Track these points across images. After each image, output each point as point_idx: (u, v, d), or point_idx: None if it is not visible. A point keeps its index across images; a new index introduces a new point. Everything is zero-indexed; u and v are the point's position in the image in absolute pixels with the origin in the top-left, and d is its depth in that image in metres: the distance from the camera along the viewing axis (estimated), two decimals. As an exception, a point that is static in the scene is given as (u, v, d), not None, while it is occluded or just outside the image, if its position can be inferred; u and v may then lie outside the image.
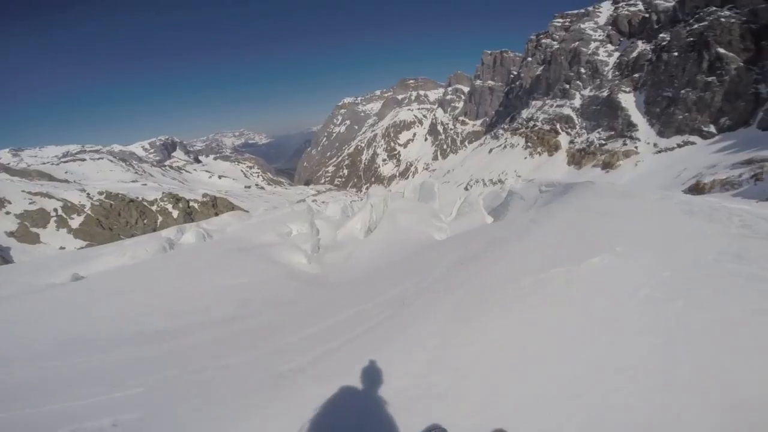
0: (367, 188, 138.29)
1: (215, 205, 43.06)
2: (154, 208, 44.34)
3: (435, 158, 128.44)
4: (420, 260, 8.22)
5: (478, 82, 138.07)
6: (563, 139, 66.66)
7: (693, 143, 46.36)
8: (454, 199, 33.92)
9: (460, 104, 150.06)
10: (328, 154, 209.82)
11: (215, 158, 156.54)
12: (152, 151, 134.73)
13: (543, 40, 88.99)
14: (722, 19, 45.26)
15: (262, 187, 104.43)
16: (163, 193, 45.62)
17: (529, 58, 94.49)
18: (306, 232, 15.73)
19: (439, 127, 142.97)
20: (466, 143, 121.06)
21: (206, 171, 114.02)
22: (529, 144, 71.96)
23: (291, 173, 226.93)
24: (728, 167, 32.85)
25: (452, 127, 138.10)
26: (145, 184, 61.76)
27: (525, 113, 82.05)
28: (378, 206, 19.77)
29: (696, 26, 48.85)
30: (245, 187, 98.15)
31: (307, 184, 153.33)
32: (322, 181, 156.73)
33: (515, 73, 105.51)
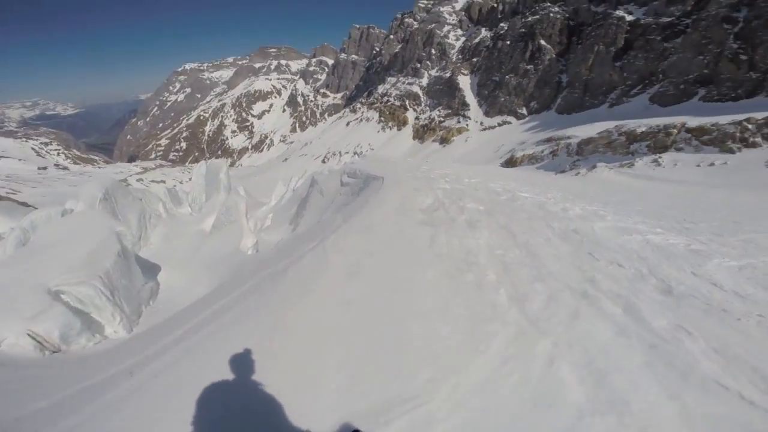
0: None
1: None
2: None
3: (293, 130, 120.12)
4: None
5: (343, 55, 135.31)
6: (411, 114, 68.98)
7: (509, 123, 52.21)
8: (299, 175, 29.14)
9: (323, 76, 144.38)
10: (161, 125, 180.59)
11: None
12: None
13: (406, 19, 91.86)
14: (550, 14, 50.97)
15: (66, 167, 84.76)
16: None
17: (392, 36, 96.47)
18: None
19: (299, 99, 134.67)
20: (326, 116, 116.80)
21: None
22: (382, 118, 72.57)
23: (109, 149, 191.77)
24: (534, 144, 37.00)
25: (313, 99, 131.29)
26: None
27: (381, 89, 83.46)
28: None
29: (530, 19, 54.15)
30: (39, 168, 78.03)
31: (131, 160, 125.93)
32: (153, 156, 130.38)
33: (378, 49, 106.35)
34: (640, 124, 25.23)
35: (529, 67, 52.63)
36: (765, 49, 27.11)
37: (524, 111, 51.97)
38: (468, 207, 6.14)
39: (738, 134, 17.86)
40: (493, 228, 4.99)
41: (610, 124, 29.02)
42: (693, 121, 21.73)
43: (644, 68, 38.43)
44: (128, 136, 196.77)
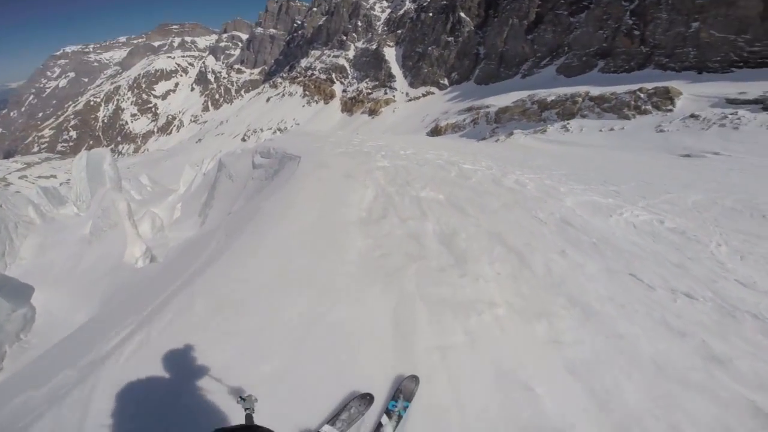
0: (113, 149, 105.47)
1: None
2: None
3: (205, 109, 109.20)
4: None
5: (259, 29, 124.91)
6: (338, 88, 67.00)
7: (433, 93, 53.21)
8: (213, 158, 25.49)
9: (237, 52, 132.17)
10: (41, 114, 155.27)
11: None
12: None
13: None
14: (471, -13, 51.20)
15: None
16: None
17: (315, 8, 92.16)
18: None
19: (210, 76, 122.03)
20: (242, 92, 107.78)
21: None
22: (307, 92, 69.56)
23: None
24: (456, 113, 38.21)
25: (226, 75, 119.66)
26: None
27: (304, 62, 79.69)
28: None
29: (452, -9, 54.04)
30: None
31: (8, 156, 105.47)
32: (36, 149, 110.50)
33: (299, 22, 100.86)
34: (550, 93, 26.87)
35: (450, 39, 53.25)
36: (655, 25, 30.17)
37: (446, 82, 52.99)
38: (423, 197, 4.72)
39: (632, 102, 19.85)
40: (484, 244, 3.49)
41: (523, 94, 30.57)
42: (595, 91, 23.64)
43: (552, 41, 40.92)
44: (0, 130, 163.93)
